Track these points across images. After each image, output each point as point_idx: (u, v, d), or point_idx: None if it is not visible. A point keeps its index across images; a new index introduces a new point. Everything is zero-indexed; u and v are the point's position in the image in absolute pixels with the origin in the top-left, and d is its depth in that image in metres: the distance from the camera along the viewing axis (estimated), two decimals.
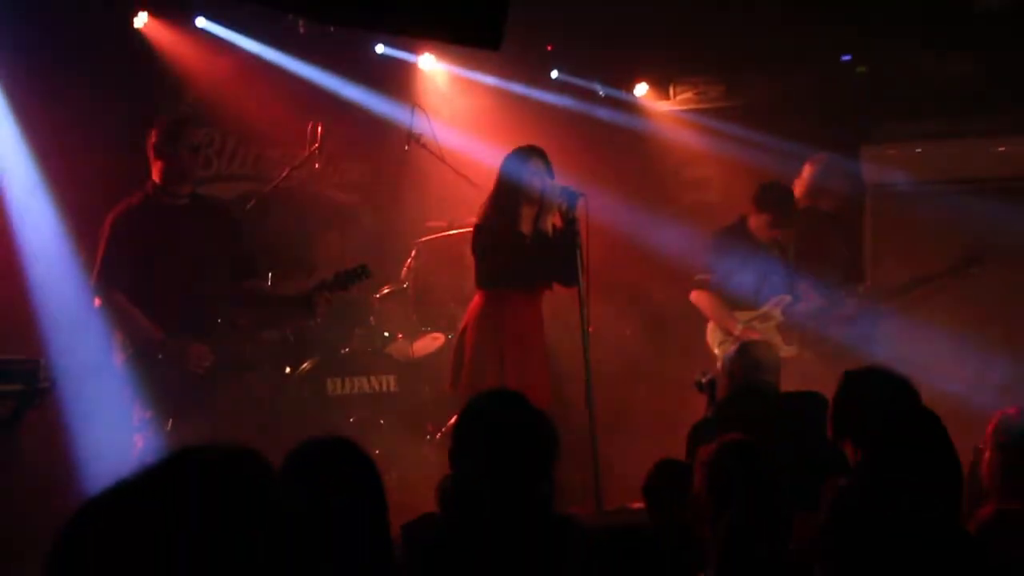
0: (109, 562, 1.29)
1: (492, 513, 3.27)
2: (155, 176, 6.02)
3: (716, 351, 7.28)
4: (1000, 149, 8.24)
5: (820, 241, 7.48)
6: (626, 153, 9.06)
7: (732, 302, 7.32)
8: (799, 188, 7.64)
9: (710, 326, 7.39)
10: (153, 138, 6.00)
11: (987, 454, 3.97)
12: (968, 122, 8.33)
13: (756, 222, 7.32)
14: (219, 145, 8.15)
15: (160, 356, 5.82)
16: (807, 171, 7.65)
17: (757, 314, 7.30)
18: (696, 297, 7.40)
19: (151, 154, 6.02)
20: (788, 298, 7.31)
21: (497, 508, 3.28)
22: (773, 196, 7.33)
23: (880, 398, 3.93)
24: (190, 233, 6.01)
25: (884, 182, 8.36)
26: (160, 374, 5.81)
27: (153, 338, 5.83)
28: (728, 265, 7.28)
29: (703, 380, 5.43)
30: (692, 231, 8.30)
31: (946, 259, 7.45)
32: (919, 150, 8.49)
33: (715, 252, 7.39)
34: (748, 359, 5.22)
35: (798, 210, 7.43)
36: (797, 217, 7.42)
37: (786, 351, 7.05)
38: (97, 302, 5.94)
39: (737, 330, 7.24)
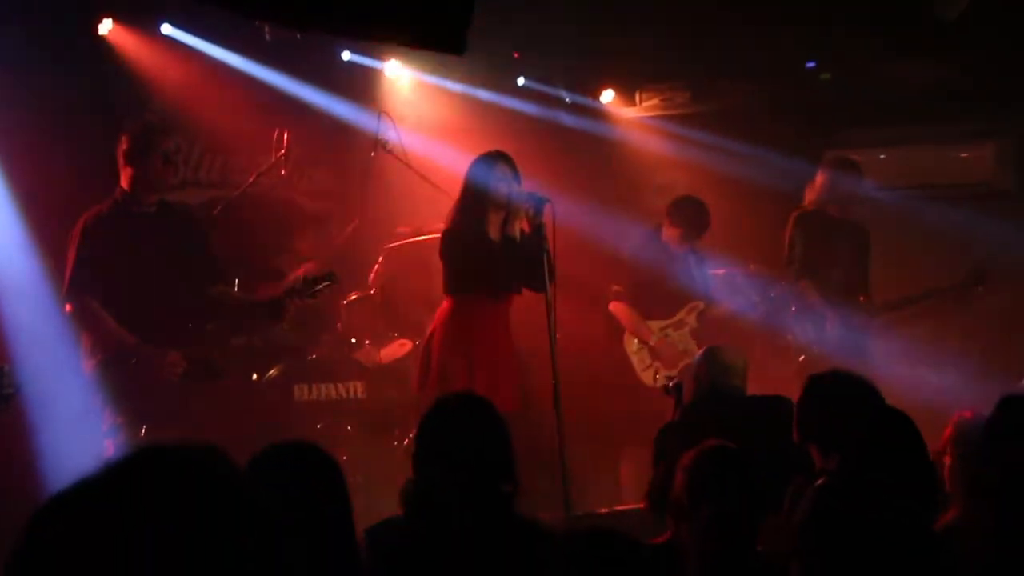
0: (71, 560, 1.29)
1: (455, 515, 3.28)
2: (124, 183, 6.00)
3: (633, 359, 7.57)
4: (963, 155, 8.33)
5: (826, 246, 7.51)
6: (593, 159, 9.09)
7: (648, 311, 7.51)
8: (811, 193, 7.66)
9: (627, 336, 7.58)
10: (124, 144, 5.98)
11: (947, 459, 4.00)
12: (931, 128, 8.41)
13: (668, 234, 7.55)
14: (185, 152, 8.06)
15: (134, 361, 5.79)
16: (820, 176, 7.67)
17: (671, 322, 7.51)
18: (614, 308, 7.62)
19: (121, 161, 5.99)
20: (701, 304, 7.52)
21: (460, 510, 3.29)
22: (684, 212, 7.57)
23: (846, 401, 3.97)
24: (158, 240, 6.00)
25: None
26: (132, 380, 5.79)
27: (126, 343, 5.81)
28: (642, 275, 7.48)
29: (670, 384, 5.47)
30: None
31: (916, 267, 7.52)
32: (882, 156, 8.57)
33: (630, 263, 7.60)
34: (715, 363, 5.26)
35: (708, 224, 7.60)
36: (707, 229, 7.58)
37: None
38: (68, 308, 5.91)
39: (652, 340, 7.47)
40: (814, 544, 2.83)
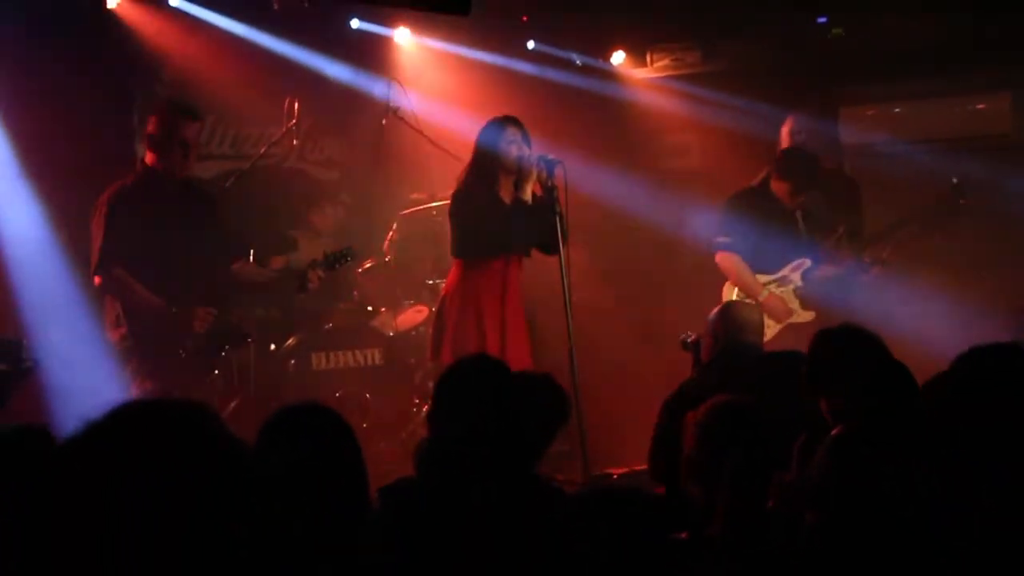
0: (56, 511, 1.30)
1: (468, 476, 3.29)
2: (148, 161, 6.08)
3: None
4: (979, 107, 8.25)
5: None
6: (605, 121, 9.05)
7: (753, 265, 7.11)
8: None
9: (726, 287, 7.18)
10: (149, 127, 6.07)
11: None
12: (946, 81, 8.33)
13: (778, 187, 7.11)
14: None
15: (165, 324, 5.85)
16: (783, 134, 7.60)
17: (775, 278, 7.13)
18: (722, 259, 7.14)
19: (146, 141, 6.09)
20: (807, 262, 7.12)
21: (473, 471, 3.30)
22: (794, 163, 7.13)
23: (854, 354, 3.96)
24: (181, 217, 6.05)
25: (863, 143, 8.36)
26: (159, 349, 5.85)
27: (157, 307, 5.86)
28: (747, 227, 7.06)
29: (688, 340, 5.43)
30: (672, 197, 8.31)
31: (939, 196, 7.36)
32: (898, 110, 8.51)
33: (734, 214, 7.15)
34: (731, 320, 5.23)
35: (818, 177, 7.17)
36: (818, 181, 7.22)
37: (804, 316, 7.01)
38: (97, 280, 5.94)
39: (762, 295, 7.03)
40: (831, 495, 2.83)
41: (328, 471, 2.78)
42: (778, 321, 7.02)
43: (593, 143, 8.24)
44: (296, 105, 7.44)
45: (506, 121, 6.12)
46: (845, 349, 4.01)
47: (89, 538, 1.29)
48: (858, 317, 6.62)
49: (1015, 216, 7.65)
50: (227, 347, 6.23)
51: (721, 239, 7.12)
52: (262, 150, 7.65)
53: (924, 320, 6.90)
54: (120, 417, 1.37)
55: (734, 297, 7.07)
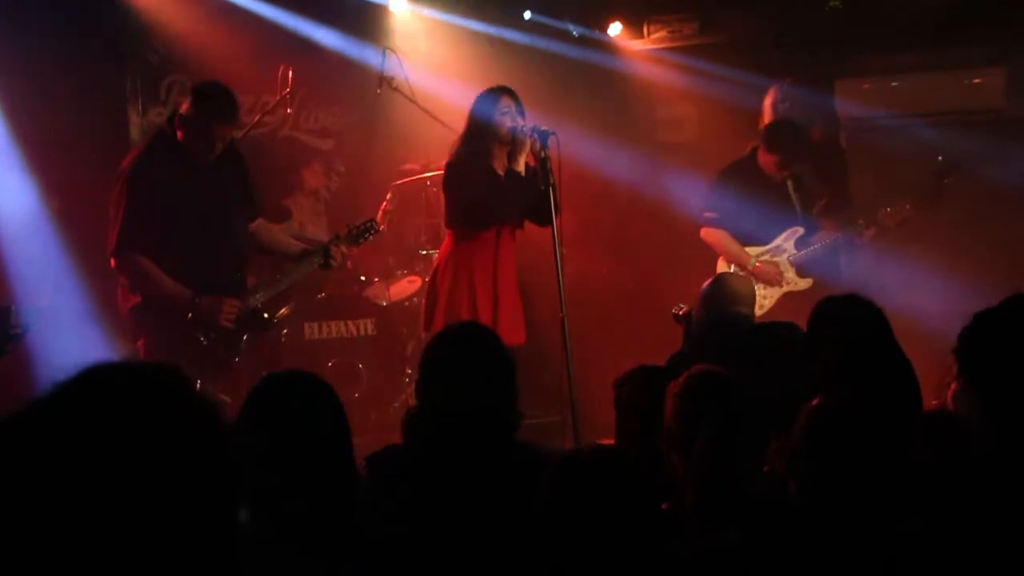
0: (18, 475, 1.29)
1: (455, 443, 3.29)
2: (179, 136, 5.69)
3: None
4: (975, 81, 8.23)
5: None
6: (601, 93, 9.02)
7: (742, 238, 7.17)
8: (762, 123, 7.58)
9: (720, 262, 7.22)
10: (183, 109, 5.69)
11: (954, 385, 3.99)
12: (942, 55, 8.31)
13: (765, 160, 7.14)
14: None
15: (190, 316, 5.62)
16: (765, 105, 7.60)
17: (768, 248, 7.17)
18: (706, 234, 7.21)
19: (177, 120, 5.70)
20: (800, 230, 7.16)
21: (460, 438, 3.30)
22: (781, 136, 7.17)
23: (851, 324, 3.98)
24: (213, 184, 5.75)
25: (859, 116, 8.34)
26: (183, 332, 5.62)
27: (182, 298, 5.61)
28: (737, 200, 7.09)
29: (679, 312, 5.44)
30: (668, 169, 8.29)
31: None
32: (894, 84, 8.47)
33: (723, 187, 7.20)
34: (723, 291, 5.23)
35: (808, 146, 7.26)
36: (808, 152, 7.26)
37: (801, 284, 7.04)
38: (113, 263, 5.69)
39: (750, 264, 7.10)
40: (808, 463, 2.84)
41: (313, 439, 2.78)
42: (770, 284, 7.08)
43: (588, 115, 8.22)
44: (290, 74, 7.41)
45: (500, 92, 6.09)
46: (843, 317, 4.04)
47: (51, 507, 1.28)
48: (853, 285, 6.70)
49: (1007, 189, 7.65)
50: (248, 334, 5.93)
51: (707, 215, 7.19)
52: (256, 118, 7.62)
53: (917, 292, 6.91)
54: (86, 380, 1.35)
55: (727, 269, 7.09)
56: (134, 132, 7.64)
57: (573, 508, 2.53)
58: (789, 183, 7.17)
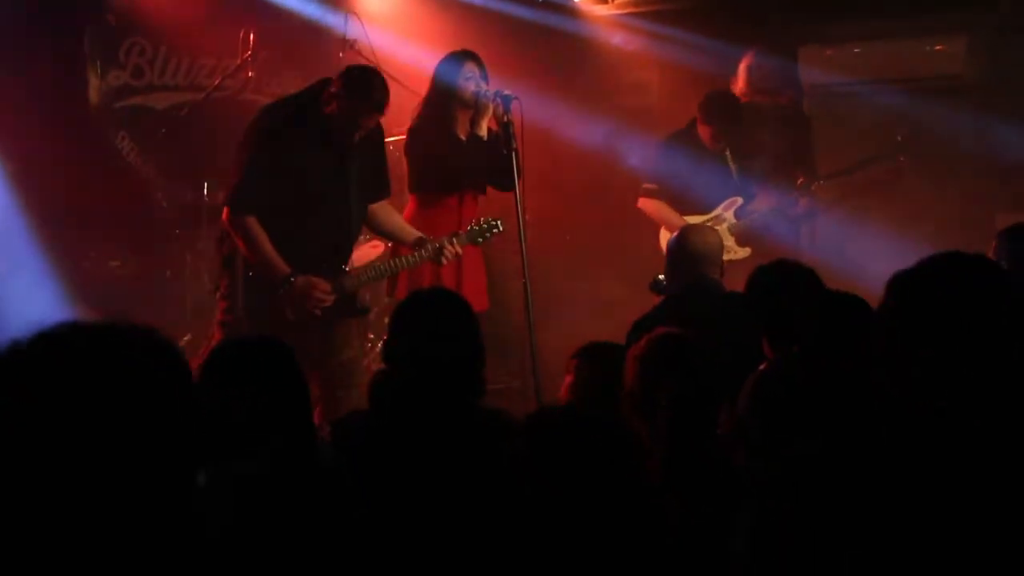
0: None
1: (420, 405, 3.30)
2: (325, 109, 5.49)
3: None
4: (936, 48, 8.26)
5: (756, 138, 7.47)
6: (565, 58, 8.99)
7: (682, 207, 7.25)
8: (736, 87, 7.62)
9: (662, 232, 7.29)
10: (335, 89, 5.50)
11: None
12: (904, 22, 8.34)
13: (703, 131, 7.25)
14: (151, 55, 7.99)
15: (281, 291, 5.43)
16: (740, 69, 7.64)
17: (708, 217, 7.22)
18: (644, 204, 7.34)
19: (326, 96, 5.50)
20: (739, 200, 7.27)
21: (424, 403, 3.30)
22: (715, 106, 7.27)
23: (785, 289, 4.00)
24: (344, 162, 5.58)
25: (822, 83, 8.37)
26: (272, 305, 5.44)
27: (277, 273, 5.42)
28: (676, 171, 7.22)
29: (660, 281, 5.35)
30: (631, 134, 8.29)
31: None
32: (857, 51, 8.49)
33: (663, 158, 7.33)
34: (687, 250, 5.09)
35: (742, 116, 7.35)
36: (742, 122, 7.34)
37: (740, 253, 7.09)
38: (225, 215, 5.52)
39: None
40: (753, 429, 2.84)
41: (272, 403, 2.78)
42: None
43: (551, 80, 8.20)
44: (252, 36, 7.36)
45: (463, 56, 6.08)
46: (777, 284, 4.06)
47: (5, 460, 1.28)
48: (794, 252, 6.77)
49: (964, 156, 7.72)
50: (343, 317, 5.69)
51: (645, 185, 7.33)
52: (217, 81, 7.56)
53: (878, 257, 6.96)
54: (43, 339, 1.34)
55: (665, 238, 7.14)
56: (93, 95, 7.54)
57: (556, 468, 2.49)
58: (727, 153, 7.29)
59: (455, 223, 6.00)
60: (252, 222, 5.42)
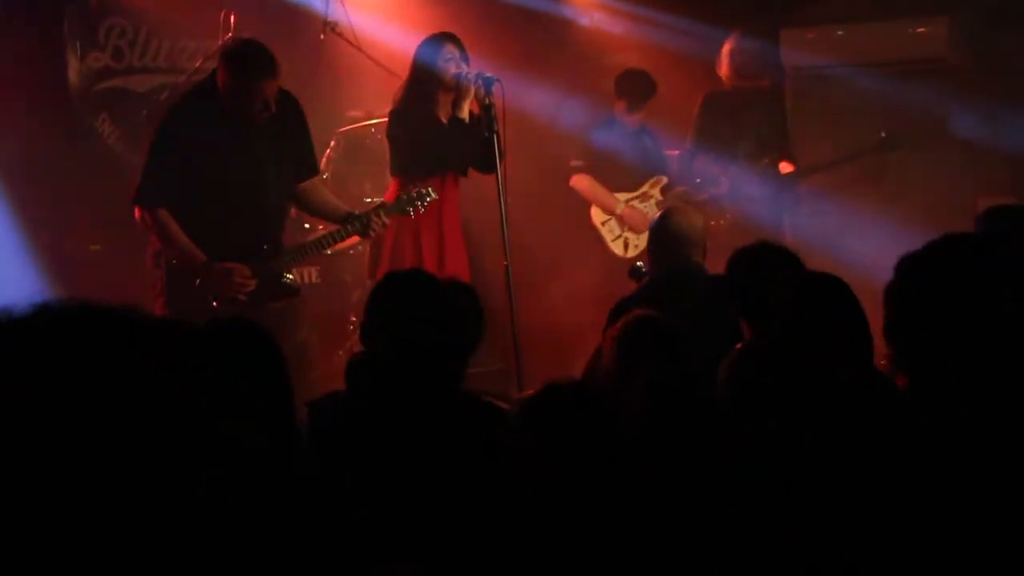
0: None
1: (398, 388, 3.29)
2: (220, 83, 5.45)
3: (601, 231, 7.63)
4: (919, 30, 8.26)
5: (733, 120, 7.50)
6: (547, 40, 8.96)
7: (611, 185, 7.59)
8: (720, 72, 7.63)
9: (593, 208, 7.64)
10: (222, 79, 5.43)
11: None
12: (887, 4, 8.34)
13: (618, 107, 7.68)
14: (131, 36, 7.94)
15: (198, 282, 5.40)
16: (723, 54, 7.66)
17: (636, 194, 7.60)
18: (575, 182, 7.65)
19: (221, 89, 5.43)
20: (665, 179, 7.62)
21: (403, 385, 3.30)
22: (626, 83, 7.71)
23: (772, 270, 3.99)
24: (260, 139, 5.52)
25: (804, 65, 8.36)
26: (195, 292, 5.41)
27: (194, 262, 5.39)
28: (603, 149, 7.56)
29: (641, 268, 5.32)
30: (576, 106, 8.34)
31: (867, 140, 7.56)
32: (839, 33, 8.49)
33: (591, 137, 7.67)
34: (668, 232, 5.03)
35: (654, 92, 7.67)
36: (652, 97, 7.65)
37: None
38: (136, 212, 5.47)
39: (619, 209, 7.55)
40: (728, 409, 2.86)
41: (253, 385, 2.76)
42: (637, 231, 7.46)
43: (532, 61, 8.18)
44: (232, 18, 7.32)
45: (444, 38, 6.07)
46: (755, 264, 4.07)
47: None
48: (793, 233, 6.81)
49: (946, 139, 7.74)
50: (273, 299, 5.62)
51: (573, 163, 7.66)
52: (197, 63, 7.52)
53: (858, 239, 6.98)
54: (15, 320, 1.33)
55: (600, 216, 7.62)
56: (72, 76, 7.50)
57: (556, 453, 2.49)
58: (645, 132, 7.69)
59: (437, 206, 5.98)
60: (162, 214, 5.39)
